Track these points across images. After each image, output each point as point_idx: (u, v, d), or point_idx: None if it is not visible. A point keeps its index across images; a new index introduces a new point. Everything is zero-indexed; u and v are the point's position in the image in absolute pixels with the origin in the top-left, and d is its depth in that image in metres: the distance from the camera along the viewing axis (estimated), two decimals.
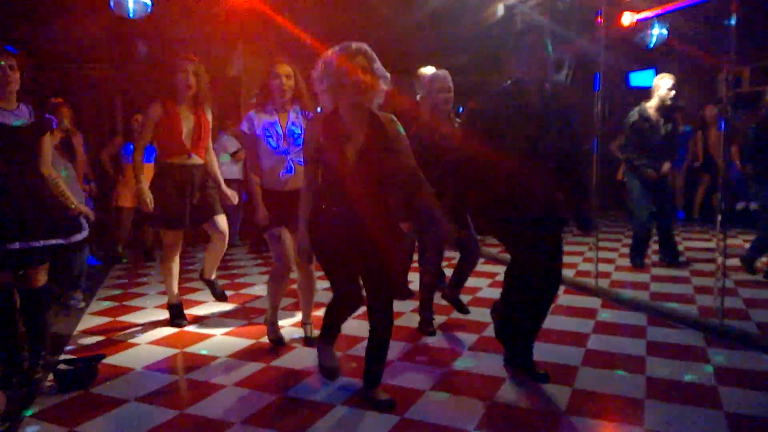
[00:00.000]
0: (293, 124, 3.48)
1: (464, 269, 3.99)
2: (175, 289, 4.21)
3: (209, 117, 4.02)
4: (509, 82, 2.94)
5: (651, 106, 5.42)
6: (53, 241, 3.03)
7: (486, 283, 5.25)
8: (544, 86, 2.92)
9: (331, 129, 2.55)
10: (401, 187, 2.80)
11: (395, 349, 3.56)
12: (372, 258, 2.65)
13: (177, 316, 4.21)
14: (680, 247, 6.62)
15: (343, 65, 2.46)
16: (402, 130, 2.66)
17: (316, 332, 3.72)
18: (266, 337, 3.74)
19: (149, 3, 5.63)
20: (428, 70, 4.25)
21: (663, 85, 5.36)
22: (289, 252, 3.51)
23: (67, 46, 7.31)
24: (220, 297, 4.28)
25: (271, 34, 7.87)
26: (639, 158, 5.40)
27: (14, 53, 3.01)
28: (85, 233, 3.23)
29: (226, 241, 4.16)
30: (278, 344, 3.64)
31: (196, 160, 3.95)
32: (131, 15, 5.61)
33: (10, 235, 2.90)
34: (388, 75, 2.57)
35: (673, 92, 5.32)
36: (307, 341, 3.68)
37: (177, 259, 4.15)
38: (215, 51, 8.03)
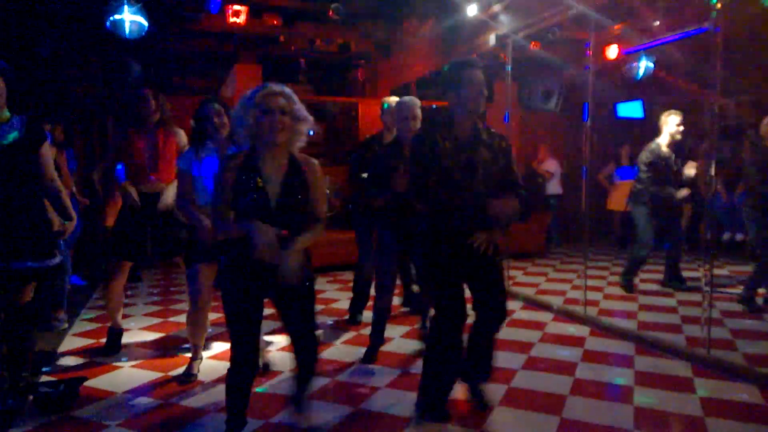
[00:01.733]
0: None
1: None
2: (118, 316, 4.07)
3: (179, 140, 3.97)
4: (444, 114, 2.96)
5: (662, 143, 5.56)
6: (31, 264, 2.98)
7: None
8: (477, 123, 2.91)
9: (247, 170, 2.43)
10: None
11: (385, 375, 3.54)
12: (290, 301, 2.56)
13: (115, 341, 4.08)
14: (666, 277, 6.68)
15: (261, 105, 2.38)
16: (320, 173, 2.57)
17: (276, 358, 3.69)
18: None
19: (145, 24, 5.66)
20: (393, 99, 4.22)
21: (671, 121, 5.51)
22: (206, 289, 3.41)
23: (61, 62, 7.33)
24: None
25: (267, 56, 7.97)
26: (659, 187, 5.55)
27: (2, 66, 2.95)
28: (57, 259, 3.15)
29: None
30: (185, 382, 3.46)
31: (159, 186, 3.87)
32: (127, 35, 5.62)
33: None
34: (311, 117, 2.51)
35: (681, 128, 5.46)
36: (265, 367, 3.59)
37: (121, 288, 4.02)
38: (210, 71, 8.10)
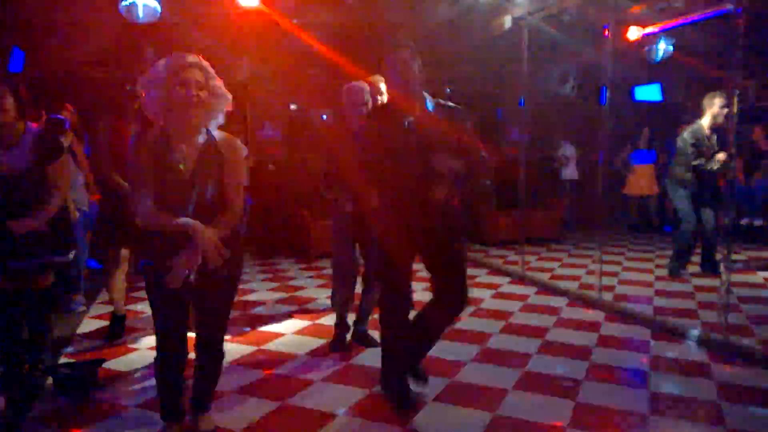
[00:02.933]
0: None
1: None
2: (122, 301, 4.11)
3: None
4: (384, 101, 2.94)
5: (704, 125, 5.47)
6: (47, 259, 3.01)
7: (489, 294, 5.23)
8: (411, 108, 2.78)
9: (159, 145, 2.27)
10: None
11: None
12: (207, 281, 2.37)
13: (118, 325, 4.10)
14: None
15: (175, 78, 2.20)
16: (239, 153, 2.40)
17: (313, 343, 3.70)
18: (268, 344, 3.71)
19: (159, 8, 5.65)
20: (376, 78, 3.84)
21: (716, 103, 5.39)
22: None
23: (75, 50, 7.35)
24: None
25: (280, 40, 7.91)
26: (689, 172, 5.48)
27: (3, 77, 2.86)
28: (72, 254, 3.17)
29: None
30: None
31: None
32: (141, 20, 5.62)
33: (18, 252, 2.89)
34: (229, 95, 2.35)
35: (726, 110, 5.29)
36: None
37: (123, 275, 4.04)
38: (223, 56, 8.07)
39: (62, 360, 3.53)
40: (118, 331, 4.08)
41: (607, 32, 4.92)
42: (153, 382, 3.19)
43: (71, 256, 3.13)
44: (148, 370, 3.40)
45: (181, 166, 2.26)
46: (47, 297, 3.19)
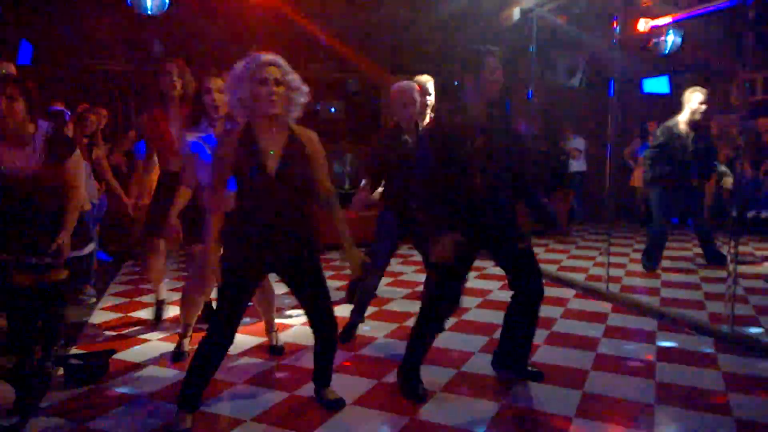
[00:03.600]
0: None
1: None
2: (162, 287, 4.22)
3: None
4: (461, 102, 2.94)
5: (682, 120, 5.43)
6: (74, 254, 3.06)
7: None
8: (492, 108, 2.92)
9: (246, 144, 2.42)
10: (319, 205, 2.62)
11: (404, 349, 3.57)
12: (297, 271, 2.61)
13: (159, 311, 4.24)
14: (690, 253, 6.61)
15: (254, 77, 2.36)
16: (318, 144, 2.56)
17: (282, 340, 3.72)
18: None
19: (167, 0, 5.66)
20: (424, 78, 3.97)
21: (695, 98, 5.35)
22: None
23: (83, 42, 7.38)
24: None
25: (289, 33, 7.92)
26: (660, 170, 5.44)
27: (16, 78, 2.84)
28: (90, 246, 3.21)
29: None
30: (178, 359, 3.45)
31: None
32: (149, 12, 5.63)
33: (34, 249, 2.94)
34: (305, 87, 2.48)
35: (704, 106, 5.32)
36: (273, 350, 3.60)
37: (163, 261, 4.11)
38: (232, 49, 8.08)
39: (73, 350, 3.57)
40: (158, 316, 4.21)
41: (615, 24, 4.90)
42: (163, 372, 3.26)
43: (87, 250, 3.17)
44: (158, 361, 3.44)
45: (271, 152, 2.42)
46: (61, 290, 3.23)
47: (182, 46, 7.85)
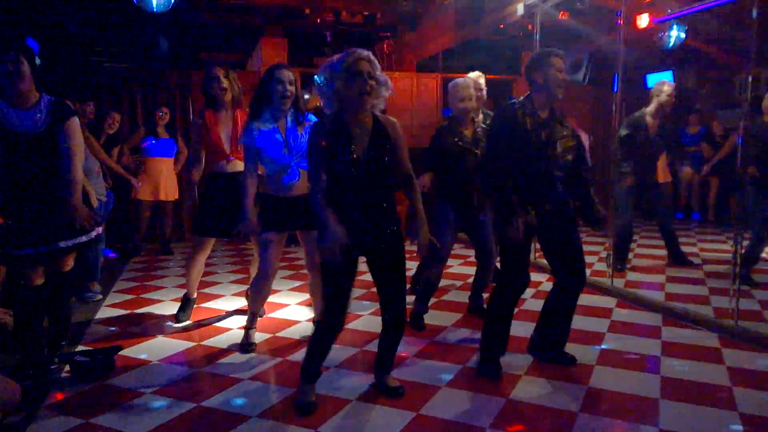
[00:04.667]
0: (291, 129, 3.40)
1: (477, 277, 4.26)
2: (195, 285, 4.22)
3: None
4: (522, 98, 3.13)
5: (648, 112, 5.37)
6: (77, 240, 3.09)
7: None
8: (554, 106, 3.11)
9: (337, 131, 2.57)
10: (399, 186, 2.78)
11: (411, 345, 3.60)
12: (380, 258, 2.71)
13: (183, 308, 4.23)
14: (695, 249, 6.60)
15: (350, 70, 2.50)
16: (401, 132, 2.72)
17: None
18: (283, 331, 3.77)
19: None
20: (474, 74, 4.40)
21: (665, 90, 5.29)
22: (275, 259, 3.49)
23: (88, 40, 7.41)
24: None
25: (297, 28, 7.93)
26: (625, 166, 5.36)
27: (20, 48, 2.95)
28: (100, 229, 3.27)
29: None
30: (246, 351, 3.52)
31: (240, 166, 3.77)
32: (154, 9, 5.64)
33: (36, 238, 2.98)
34: (390, 81, 2.64)
35: (672, 100, 5.28)
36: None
37: (204, 260, 4.13)
38: (236, 45, 8.10)
39: (79, 348, 3.59)
40: (185, 313, 4.21)
41: (619, 19, 4.89)
42: (169, 369, 3.28)
43: (94, 234, 3.21)
44: (164, 357, 3.47)
45: (351, 148, 2.55)
46: (68, 281, 3.26)
47: (187, 42, 7.88)
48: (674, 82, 9.01)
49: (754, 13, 3.62)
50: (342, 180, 2.58)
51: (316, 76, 2.63)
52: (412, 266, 4.09)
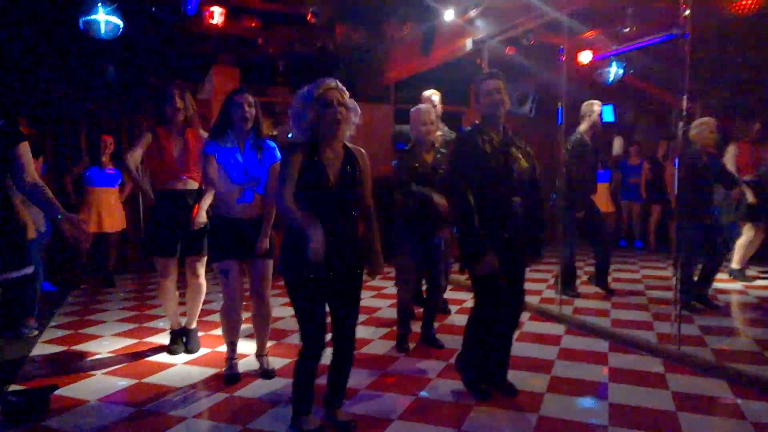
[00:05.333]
0: (250, 153, 3.42)
1: (426, 305, 4.31)
2: (174, 314, 4.12)
3: (202, 141, 3.96)
4: (475, 124, 3.20)
5: (583, 130, 5.52)
6: (6, 275, 2.92)
7: (453, 309, 5.27)
8: (502, 128, 3.16)
9: (310, 160, 2.60)
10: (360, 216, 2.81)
11: (362, 377, 3.54)
12: (345, 281, 2.69)
13: (173, 342, 4.14)
14: (638, 275, 6.82)
15: (321, 99, 2.56)
16: (368, 162, 2.77)
17: (274, 364, 3.71)
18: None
19: (120, 24, 5.57)
20: (428, 93, 4.70)
21: (596, 110, 5.49)
22: (238, 286, 3.48)
23: (36, 67, 7.19)
24: (193, 350, 4.12)
25: (250, 58, 7.90)
26: (575, 193, 5.44)
27: None
28: (30, 268, 3.08)
29: (203, 288, 4.08)
30: (231, 382, 3.50)
31: (191, 184, 3.92)
32: (102, 36, 5.52)
33: None
34: (358, 108, 2.70)
35: (600, 120, 5.48)
36: (264, 374, 3.60)
37: (172, 285, 4.04)
38: (187, 73, 8.00)
39: (12, 387, 3.39)
40: (178, 345, 4.12)
41: (562, 56, 5.09)
42: (108, 408, 3.13)
43: (29, 270, 3.03)
44: (103, 396, 3.30)
45: (325, 174, 2.59)
46: None
47: (136, 69, 7.74)
48: (615, 115, 9.49)
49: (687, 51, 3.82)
50: (311, 205, 2.58)
51: (289, 108, 2.69)
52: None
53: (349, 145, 2.73)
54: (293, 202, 2.54)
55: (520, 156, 3.12)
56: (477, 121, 3.20)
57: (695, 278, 5.11)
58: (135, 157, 3.84)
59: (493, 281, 3.07)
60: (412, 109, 4.13)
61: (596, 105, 5.51)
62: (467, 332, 3.29)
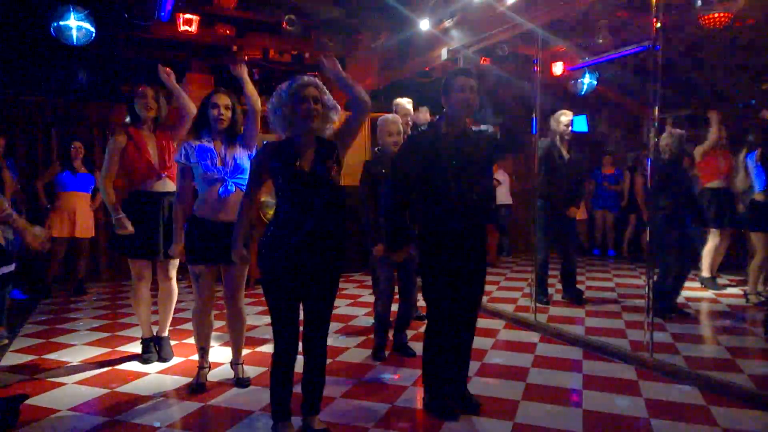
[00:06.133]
0: (226, 148, 3.45)
1: (399, 314, 4.27)
2: (147, 322, 4.06)
3: (174, 142, 3.99)
4: (435, 120, 3.19)
5: (556, 139, 5.61)
6: None
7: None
8: (466, 127, 3.14)
9: (286, 153, 2.64)
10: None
11: (338, 385, 3.53)
12: (320, 282, 2.69)
13: (145, 350, 4.07)
14: (611, 283, 6.92)
15: (296, 95, 2.60)
16: (341, 157, 2.77)
17: (249, 372, 3.68)
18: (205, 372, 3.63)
19: (93, 30, 5.49)
20: (404, 101, 4.73)
21: (562, 121, 5.59)
22: (209, 291, 3.46)
23: (4, 73, 7.06)
24: (166, 359, 4.07)
25: (219, 65, 7.85)
26: (555, 194, 5.54)
27: None
28: (10, 267, 3.06)
29: (175, 292, 4.06)
30: (196, 391, 3.44)
31: (169, 185, 3.90)
32: (74, 42, 5.44)
33: None
34: (339, 106, 2.75)
35: (569, 128, 5.58)
36: (239, 383, 3.57)
37: (147, 290, 4.00)
38: (161, 80, 7.93)
39: None
40: (151, 354, 4.06)
41: (536, 66, 5.17)
42: (79, 418, 3.07)
43: (10, 268, 2.99)
44: (75, 406, 3.24)
45: (297, 161, 2.61)
46: None
47: (109, 75, 7.64)
48: (588, 125, 9.66)
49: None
50: (287, 197, 2.62)
51: (268, 103, 2.73)
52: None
53: (325, 138, 2.74)
54: (249, 203, 2.71)
55: (472, 151, 3.04)
56: (437, 117, 3.17)
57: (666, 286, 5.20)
58: (111, 176, 3.84)
59: (441, 287, 3.02)
60: (379, 119, 4.18)
61: (563, 116, 5.58)
62: (424, 355, 3.17)
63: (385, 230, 3.16)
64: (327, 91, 2.70)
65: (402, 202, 3.03)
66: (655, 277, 4.43)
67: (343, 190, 2.75)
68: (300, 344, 2.74)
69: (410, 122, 4.59)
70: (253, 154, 3.47)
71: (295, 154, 2.63)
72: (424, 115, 5.97)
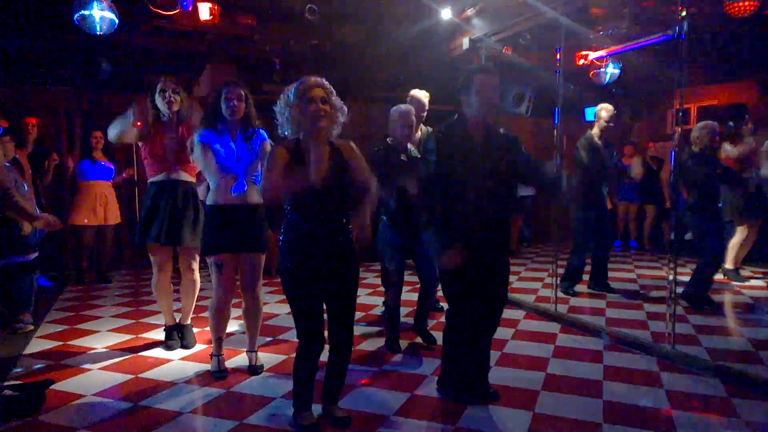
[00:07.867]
0: (240, 142, 3.47)
1: (420, 296, 4.25)
2: (169, 310, 4.12)
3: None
4: (453, 119, 3.11)
5: (595, 134, 5.54)
6: (18, 258, 2.94)
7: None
8: (489, 125, 3.06)
9: (296, 157, 2.62)
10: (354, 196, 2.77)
11: (357, 374, 3.55)
12: (340, 275, 2.70)
13: (168, 338, 4.14)
14: (633, 275, 6.85)
15: (303, 96, 2.60)
16: (357, 150, 2.77)
17: (263, 360, 3.73)
18: (227, 361, 3.67)
19: (116, 19, 5.54)
20: (420, 94, 4.54)
21: (602, 116, 5.50)
22: (232, 282, 3.49)
23: (29, 63, 7.17)
24: (189, 346, 4.12)
25: (244, 54, 7.89)
26: (595, 190, 5.50)
27: None
28: (35, 254, 3.11)
29: (197, 283, 4.10)
30: (219, 378, 3.50)
31: (184, 176, 3.93)
32: (98, 31, 5.49)
33: None
34: (345, 107, 2.72)
35: (612, 124, 5.49)
36: (253, 370, 3.61)
37: (168, 280, 4.04)
38: (182, 70, 7.99)
39: (7, 382, 3.38)
40: (174, 341, 4.12)
41: (558, 55, 5.10)
42: (104, 404, 3.12)
43: (34, 255, 3.05)
44: (99, 391, 3.30)
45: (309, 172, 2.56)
46: None
47: (130, 66, 7.71)
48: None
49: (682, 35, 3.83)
50: (299, 204, 2.61)
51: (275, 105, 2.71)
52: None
53: (335, 141, 2.72)
54: (277, 194, 2.59)
55: (495, 155, 2.97)
56: (456, 116, 3.09)
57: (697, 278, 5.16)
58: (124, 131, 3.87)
59: (462, 285, 2.99)
60: (392, 110, 4.08)
61: (603, 111, 5.50)
62: (444, 345, 3.20)
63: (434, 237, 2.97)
64: (334, 92, 2.69)
65: (440, 203, 2.95)
66: (687, 268, 4.38)
67: (356, 184, 2.71)
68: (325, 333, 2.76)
69: (423, 117, 4.47)
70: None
71: (306, 160, 2.59)
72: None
